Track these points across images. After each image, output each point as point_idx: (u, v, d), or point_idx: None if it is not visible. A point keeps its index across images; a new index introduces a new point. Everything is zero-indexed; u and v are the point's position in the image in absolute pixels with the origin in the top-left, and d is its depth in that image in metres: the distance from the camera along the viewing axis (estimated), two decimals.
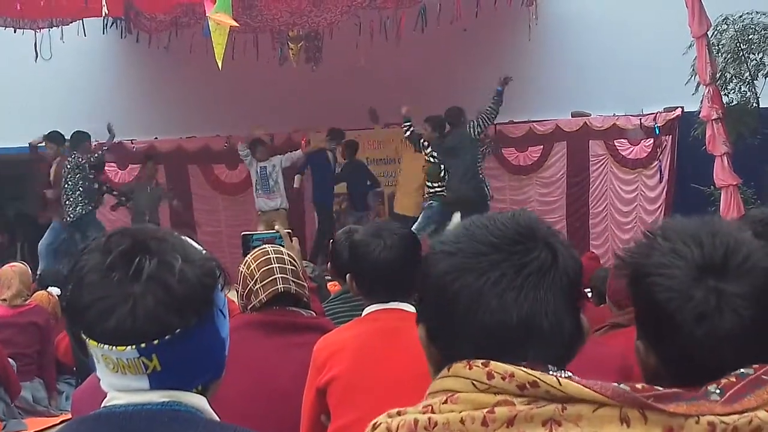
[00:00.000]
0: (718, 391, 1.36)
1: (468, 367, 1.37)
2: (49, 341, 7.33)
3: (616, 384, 1.34)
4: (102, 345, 1.57)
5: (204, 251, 1.68)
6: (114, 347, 1.56)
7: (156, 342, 1.56)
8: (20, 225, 14.87)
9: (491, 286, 1.41)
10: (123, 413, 1.59)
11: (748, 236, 1.54)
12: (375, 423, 1.44)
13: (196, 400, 1.65)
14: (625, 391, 1.32)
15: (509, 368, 1.34)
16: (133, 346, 1.56)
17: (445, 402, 1.37)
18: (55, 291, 8.21)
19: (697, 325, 1.46)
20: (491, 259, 1.43)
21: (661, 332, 1.52)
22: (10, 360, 6.78)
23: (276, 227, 4.14)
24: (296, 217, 13.42)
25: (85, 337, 1.61)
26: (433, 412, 1.37)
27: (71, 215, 12.06)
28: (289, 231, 4.14)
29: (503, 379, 1.34)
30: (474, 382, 1.36)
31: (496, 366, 1.35)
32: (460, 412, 1.35)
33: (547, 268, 1.43)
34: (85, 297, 1.58)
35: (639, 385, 1.35)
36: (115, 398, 1.62)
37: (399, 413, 1.42)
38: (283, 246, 3.77)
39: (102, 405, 1.64)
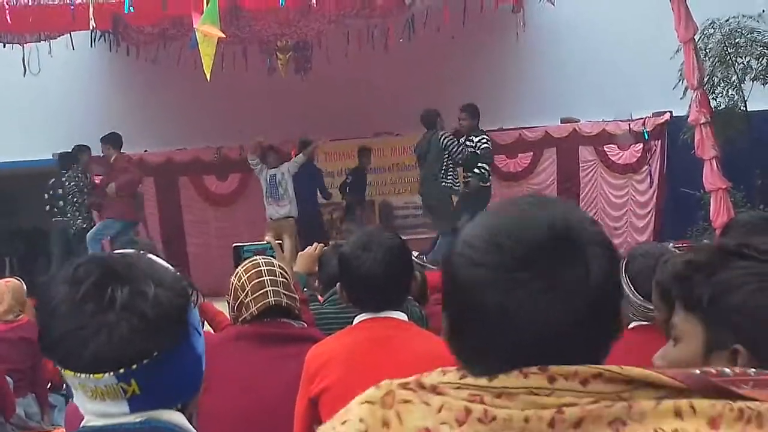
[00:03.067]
0: None
1: (523, 375, 1.29)
2: (40, 356, 7.29)
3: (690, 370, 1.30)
4: (78, 374, 1.57)
5: (173, 269, 1.69)
6: (91, 375, 1.56)
7: (134, 367, 1.56)
8: (11, 241, 14.84)
9: (515, 303, 1.31)
10: None
11: None
12: (388, 390, 1.36)
13: (176, 417, 1.65)
14: (697, 375, 1.28)
15: (570, 368, 1.28)
16: (111, 373, 1.56)
17: (499, 397, 1.29)
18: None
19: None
20: (516, 277, 1.32)
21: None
22: (7, 378, 6.75)
23: (267, 239, 4.13)
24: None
25: (59, 368, 1.61)
26: (483, 402, 1.28)
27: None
28: (280, 242, 4.14)
29: (566, 379, 1.27)
30: (533, 390, 1.28)
31: (557, 369, 1.28)
32: (522, 410, 1.27)
33: (581, 281, 1.32)
34: (59, 329, 1.58)
35: (713, 369, 1.31)
36: (91, 421, 1.63)
37: (429, 388, 1.34)
38: (274, 257, 3.77)
39: (79, 427, 1.64)
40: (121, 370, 1.55)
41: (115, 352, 1.55)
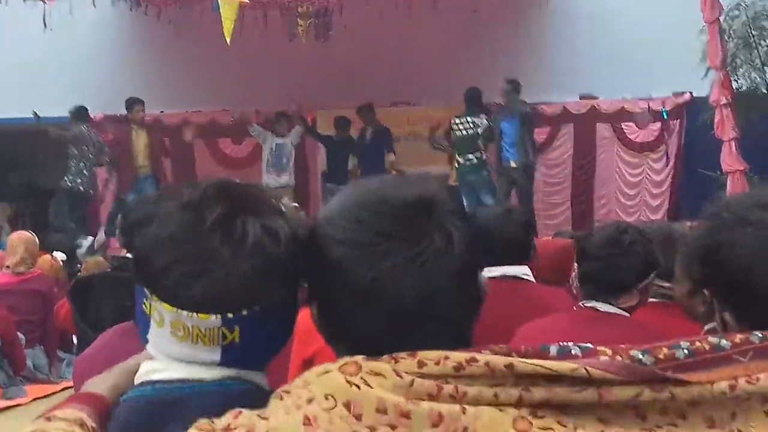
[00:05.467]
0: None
1: (394, 360, 1.26)
2: (51, 308, 7.33)
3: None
4: (179, 310, 1.41)
5: (290, 212, 1.52)
6: (195, 314, 1.41)
7: (245, 313, 1.42)
8: (27, 197, 14.86)
9: (384, 275, 1.31)
10: (181, 395, 1.44)
11: (751, 197, 1.63)
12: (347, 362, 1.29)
13: (260, 378, 1.52)
14: (634, 367, 1.26)
15: (440, 353, 1.26)
16: (219, 315, 1.41)
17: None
18: (59, 256, 8.22)
19: None
20: (381, 249, 1.32)
21: (749, 299, 1.59)
22: (18, 333, 6.81)
23: (283, 201, 4.12)
24: (303, 193, 13.40)
25: (150, 296, 1.45)
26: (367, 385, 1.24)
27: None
28: (296, 204, 4.14)
29: (437, 364, 1.25)
30: (404, 373, 1.25)
31: (425, 354, 1.26)
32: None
33: (441, 252, 1.33)
34: (169, 257, 1.41)
35: (706, 345, 1.31)
36: (160, 371, 1.48)
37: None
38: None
39: (141, 378, 1.50)
40: (230, 315, 1.41)
41: (229, 294, 1.40)
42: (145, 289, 1.46)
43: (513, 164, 11.77)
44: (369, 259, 1.32)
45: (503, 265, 3.46)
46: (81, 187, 12.42)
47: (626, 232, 3.02)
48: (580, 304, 3.08)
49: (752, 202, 1.59)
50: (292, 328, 1.54)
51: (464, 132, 11.91)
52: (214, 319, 1.41)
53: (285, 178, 12.77)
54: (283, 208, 1.50)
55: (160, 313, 1.44)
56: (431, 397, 1.23)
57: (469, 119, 11.89)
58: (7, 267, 7.32)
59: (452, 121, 12.09)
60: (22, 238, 7.45)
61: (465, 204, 11.40)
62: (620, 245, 2.98)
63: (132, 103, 12.61)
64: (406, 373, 1.23)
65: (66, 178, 12.23)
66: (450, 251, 1.33)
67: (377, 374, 1.24)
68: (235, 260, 1.40)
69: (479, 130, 11.86)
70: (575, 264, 3.25)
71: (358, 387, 1.23)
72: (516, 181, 11.80)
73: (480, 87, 12.13)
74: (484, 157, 11.94)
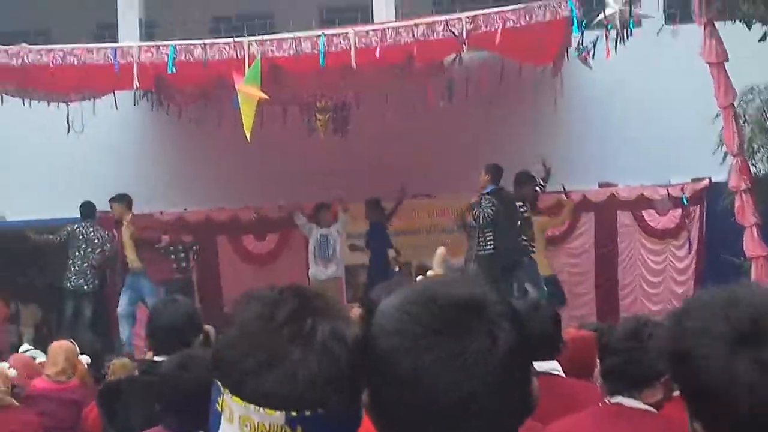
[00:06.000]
0: None
1: None
2: (80, 417, 7.31)
3: None
4: (248, 404, 1.46)
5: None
6: (263, 409, 1.46)
7: (308, 413, 1.46)
8: (52, 296, 14.89)
9: (428, 367, 1.39)
10: None
11: None
12: None
13: None
14: None
15: None
16: (284, 412, 1.45)
17: None
18: (84, 359, 8.21)
19: (749, 398, 1.43)
20: (429, 342, 1.40)
21: (715, 413, 1.50)
22: None
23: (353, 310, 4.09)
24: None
25: (226, 392, 1.50)
26: None
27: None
28: (362, 311, 4.09)
29: None
30: None
31: None
32: None
33: (484, 352, 1.40)
34: (241, 348, 1.49)
35: None
36: None
37: None
38: None
39: None
40: (294, 413, 1.45)
41: (295, 391, 1.45)
42: (219, 383, 1.52)
43: None
44: (413, 351, 1.40)
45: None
46: (85, 287, 12.57)
47: (646, 325, 3.00)
48: (606, 400, 3.04)
49: (714, 310, 1.51)
50: (356, 427, 1.56)
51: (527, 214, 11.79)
52: (278, 416, 1.46)
53: (332, 269, 12.77)
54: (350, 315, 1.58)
55: (230, 408, 1.49)
56: None
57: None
58: (48, 375, 7.34)
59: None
60: (63, 347, 7.50)
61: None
62: (641, 339, 2.96)
63: (110, 201, 12.74)
64: None
65: (67, 279, 12.42)
66: (494, 352, 1.40)
67: None
68: (304, 358, 1.46)
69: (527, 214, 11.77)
70: (597, 359, 3.23)
71: None
72: None
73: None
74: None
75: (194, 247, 13.26)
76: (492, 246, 11.31)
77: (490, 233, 11.29)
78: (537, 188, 12.14)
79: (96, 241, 12.76)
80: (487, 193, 11.40)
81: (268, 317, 1.49)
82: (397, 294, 1.51)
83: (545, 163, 11.83)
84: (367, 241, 13.27)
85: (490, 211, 11.24)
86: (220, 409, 1.52)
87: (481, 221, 11.32)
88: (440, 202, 13.56)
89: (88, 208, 12.77)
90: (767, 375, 1.42)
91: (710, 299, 1.54)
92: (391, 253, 13.01)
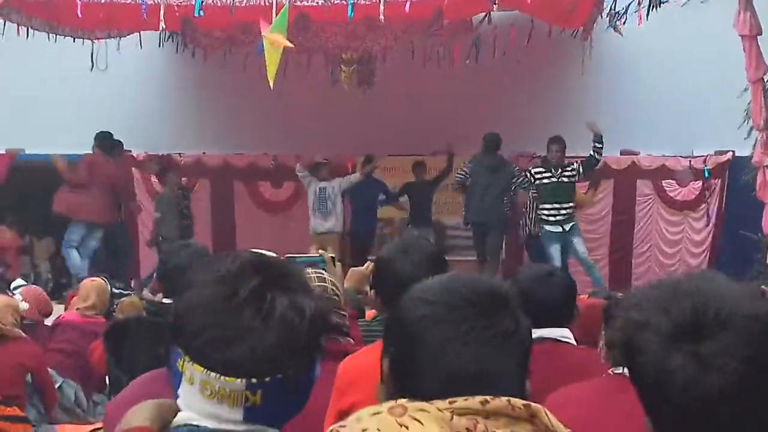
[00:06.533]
0: None
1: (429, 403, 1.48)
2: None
3: None
4: (208, 372, 1.56)
5: (317, 288, 1.70)
6: (222, 377, 1.56)
7: (267, 379, 1.56)
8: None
9: (460, 336, 1.55)
10: None
11: (722, 287, 1.49)
12: (394, 405, 1.48)
13: None
14: None
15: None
16: (243, 380, 1.56)
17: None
18: None
19: (684, 394, 1.41)
20: (464, 312, 1.58)
21: (657, 409, 1.49)
22: (50, 370, 6.85)
23: (320, 251, 4.11)
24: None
25: (184, 355, 1.59)
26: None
27: None
28: (333, 256, 4.12)
29: (465, 400, 1.47)
30: (442, 408, 1.46)
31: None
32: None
33: (510, 333, 1.59)
34: (202, 322, 1.56)
35: None
36: (194, 420, 1.60)
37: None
38: (325, 270, 3.74)
39: (181, 422, 1.61)
40: (254, 380, 1.56)
41: (255, 362, 1.55)
42: (180, 350, 1.60)
43: None
44: (448, 321, 1.57)
45: (543, 327, 3.42)
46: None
47: None
48: (609, 371, 3.04)
49: (658, 301, 1.48)
50: (309, 394, 1.68)
51: (566, 179, 11.70)
52: (239, 383, 1.56)
53: (331, 222, 12.77)
54: (317, 279, 1.84)
55: (191, 372, 1.58)
56: (468, 431, 1.44)
57: (571, 167, 11.69)
58: (78, 309, 7.46)
59: (535, 171, 11.78)
60: (94, 285, 7.64)
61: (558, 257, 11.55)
62: None
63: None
64: (443, 409, 1.45)
65: None
66: (516, 335, 1.60)
67: (422, 410, 1.44)
68: (263, 332, 1.55)
69: (581, 168, 11.68)
70: (602, 330, 3.20)
71: (407, 428, 1.42)
72: None
73: (520, 138, 12.18)
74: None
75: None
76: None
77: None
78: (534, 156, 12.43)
79: None
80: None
81: (230, 294, 1.56)
82: (435, 276, 1.71)
83: (593, 128, 11.62)
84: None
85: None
86: (180, 369, 1.60)
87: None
88: (460, 160, 13.46)
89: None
90: (703, 369, 1.39)
91: (656, 290, 1.51)
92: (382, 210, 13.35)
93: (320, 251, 4.09)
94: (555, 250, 11.65)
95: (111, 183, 12.64)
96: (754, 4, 9.50)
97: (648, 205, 13.37)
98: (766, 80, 10.10)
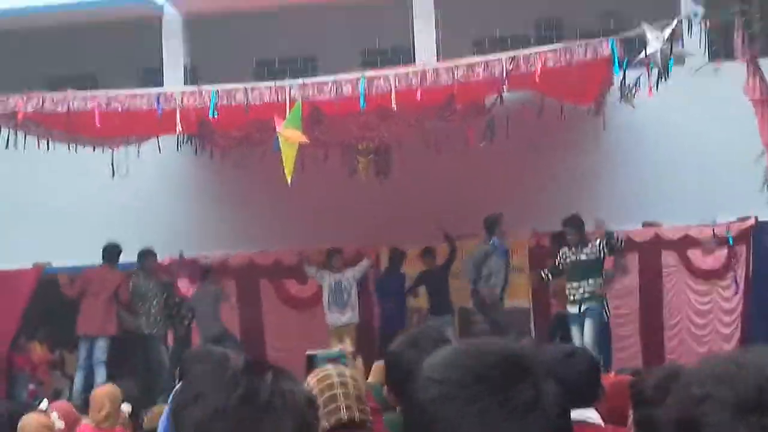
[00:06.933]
0: None
1: None
2: None
3: None
4: None
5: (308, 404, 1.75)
6: None
7: None
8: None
9: (474, 415, 1.44)
10: None
11: None
12: None
13: None
14: None
15: None
16: None
17: None
18: (125, 408, 8.23)
19: None
20: (475, 390, 1.46)
21: None
22: None
23: (340, 347, 4.09)
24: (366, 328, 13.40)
25: None
26: None
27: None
28: (353, 350, 4.09)
29: None
30: None
31: None
32: None
33: (530, 406, 1.45)
34: (200, 418, 1.66)
35: None
36: None
37: None
38: (346, 365, 3.72)
39: None
40: None
41: None
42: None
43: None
44: (460, 400, 1.46)
45: None
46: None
47: (679, 374, 2.93)
48: None
49: (720, 376, 1.45)
50: None
51: (585, 257, 11.71)
52: None
53: (348, 314, 12.76)
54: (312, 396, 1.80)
55: None
56: None
57: (590, 244, 11.72)
58: (92, 421, 7.35)
59: (562, 252, 11.85)
60: (106, 392, 7.53)
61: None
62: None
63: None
64: None
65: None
66: (539, 407, 1.46)
67: None
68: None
69: (604, 246, 11.65)
70: (630, 410, 3.16)
71: None
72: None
73: (541, 219, 12.19)
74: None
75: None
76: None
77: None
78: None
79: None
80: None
81: (222, 401, 1.65)
82: (450, 348, 1.60)
83: (602, 226, 11.66)
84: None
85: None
86: None
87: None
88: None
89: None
90: None
91: (716, 365, 1.50)
92: (411, 300, 13.16)
93: (340, 346, 4.06)
94: (575, 330, 11.65)
95: (111, 294, 12.68)
96: (762, 68, 9.58)
97: (675, 276, 13.24)
98: None
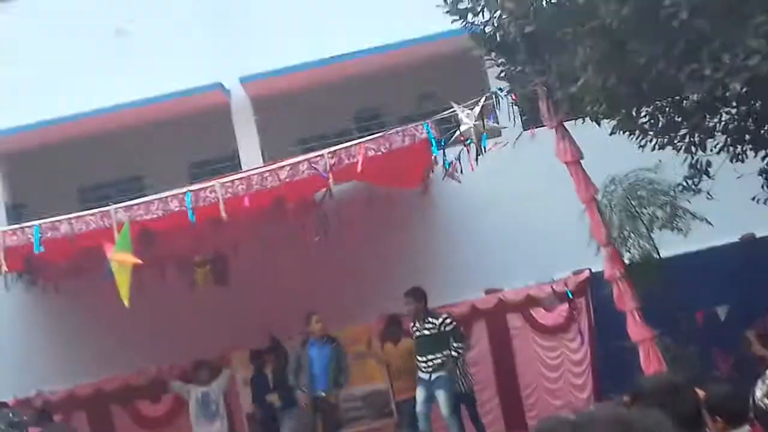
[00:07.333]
0: None
1: None
2: None
3: None
4: None
5: None
6: None
7: None
8: None
9: None
10: None
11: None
12: None
13: None
14: None
15: None
16: None
17: None
18: None
19: None
20: None
21: None
22: None
23: None
24: None
25: None
26: None
27: None
28: None
29: None
30: None
31: None
32: None
33: None
34: None
35: None
36: None
37: None
38: None
39: None
40: None
41: None
42: None
43: (321, 393, 12.33)
44: None
45: None
46: None
47: None
48: None
49: None
50: None
51: (428, 332, 11.94)
52: None
53: (217, 425, 12.55)
54: None
55: None
56: None
57: (431, 319, 12.01)
58: None
59: (412, 325, 12.15)
60: None
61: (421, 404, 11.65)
62: None
63: None
64: None
65: None
66: None
67: None
68: None
69: (447, 327, 11.98)
70: None
71: None
72: (323, 411, 12.23)
73: (389, 301, 12.34)
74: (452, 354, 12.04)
75: None
76: None
77: None
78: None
79: None
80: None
81: None
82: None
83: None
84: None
85: None
86: None
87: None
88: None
89: None
90: None
91: (604, 420, 1.57)
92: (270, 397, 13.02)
93: None
94: (419, 394, 12.01)
95: None
96: (572, 129, 10.00)
97: (523, 336, 13.54)
98: (600, 197, 10.59)
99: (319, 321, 12.38)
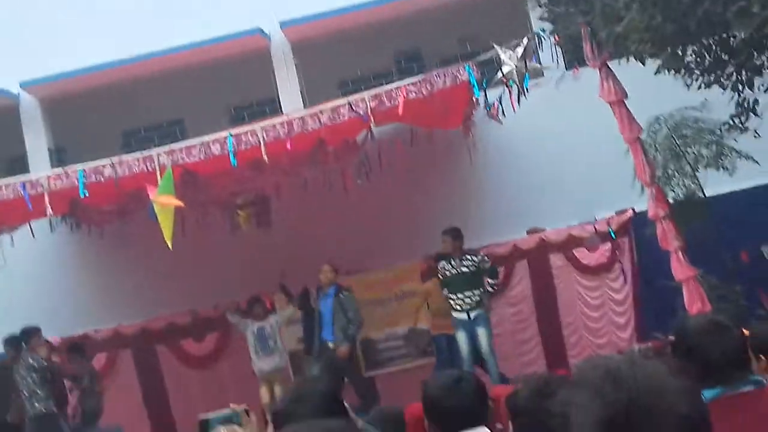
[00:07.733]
0: None
1: None
2: None
3: None
4: None
5: None
6: None
7: None
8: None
9: None
10: None
11: (660, 377, 1.52)
12: None
13: None
14: None
15: None
16: None
17: None
18: None
19: None
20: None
21: None
22: None
23: (232, 406, 4.06)
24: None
25: None
26: None
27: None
28: (246, 408, 4.07)
29: None
30: None
31: None
32: None
33: None
34: None
35: None
36: None
37: None
38: (240, 424, 3.74)
39: None
40: None
41: None
42: None
43: (330, 345, 12.27)
44: None
45: (459, 430, 3.42)
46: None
47: (548, 384, 3.02)
48: None
49: (595, 385, 1.54)
50: None
51: (466, 269, 11.99)
52: None
53: (275, 361, 12.67)
54: None
55: None
56: None
57: (469, 256, 12.05)
58: None
59: (442, 265, 12.12)
60: None
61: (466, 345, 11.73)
62: (544, 398, 2.97)
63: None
64: None
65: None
66: None
67: None
68: None
69: (486, 265, 12.11)
70: (509, 422, 3.24)
71: None
72: (333, 361, 12.12)
73: (429, 244, 12.34)
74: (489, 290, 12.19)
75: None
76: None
77: None
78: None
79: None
80: None
81: None
82: None
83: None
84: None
85: None
86: None
87: None
88: (376, 276, 13.50)
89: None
90: None
91: (594, 371, 1.54)
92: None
93: (232, 406, 4.03)
94: (461, 337, 11.94)
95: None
96: (616, 69, 9.89)
97: (565, 276, 13.52)
98: (644, 137, 10.49)
99: (328, 271, 12.35)
